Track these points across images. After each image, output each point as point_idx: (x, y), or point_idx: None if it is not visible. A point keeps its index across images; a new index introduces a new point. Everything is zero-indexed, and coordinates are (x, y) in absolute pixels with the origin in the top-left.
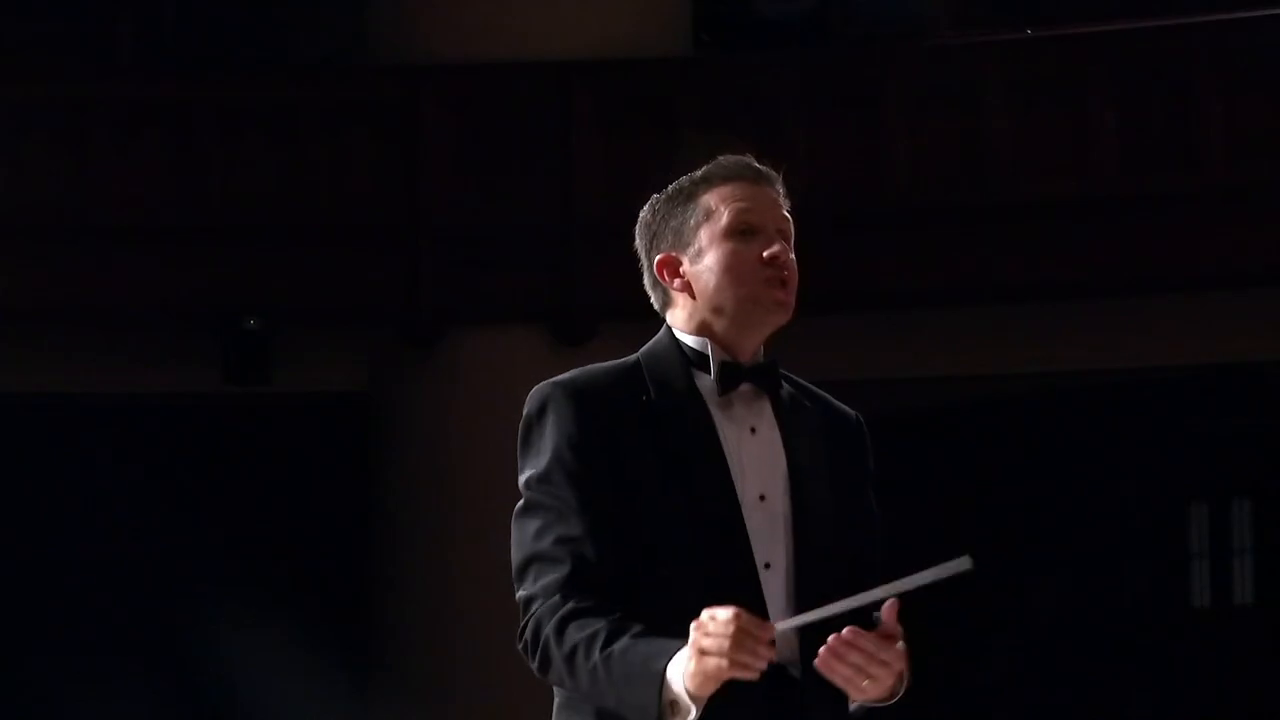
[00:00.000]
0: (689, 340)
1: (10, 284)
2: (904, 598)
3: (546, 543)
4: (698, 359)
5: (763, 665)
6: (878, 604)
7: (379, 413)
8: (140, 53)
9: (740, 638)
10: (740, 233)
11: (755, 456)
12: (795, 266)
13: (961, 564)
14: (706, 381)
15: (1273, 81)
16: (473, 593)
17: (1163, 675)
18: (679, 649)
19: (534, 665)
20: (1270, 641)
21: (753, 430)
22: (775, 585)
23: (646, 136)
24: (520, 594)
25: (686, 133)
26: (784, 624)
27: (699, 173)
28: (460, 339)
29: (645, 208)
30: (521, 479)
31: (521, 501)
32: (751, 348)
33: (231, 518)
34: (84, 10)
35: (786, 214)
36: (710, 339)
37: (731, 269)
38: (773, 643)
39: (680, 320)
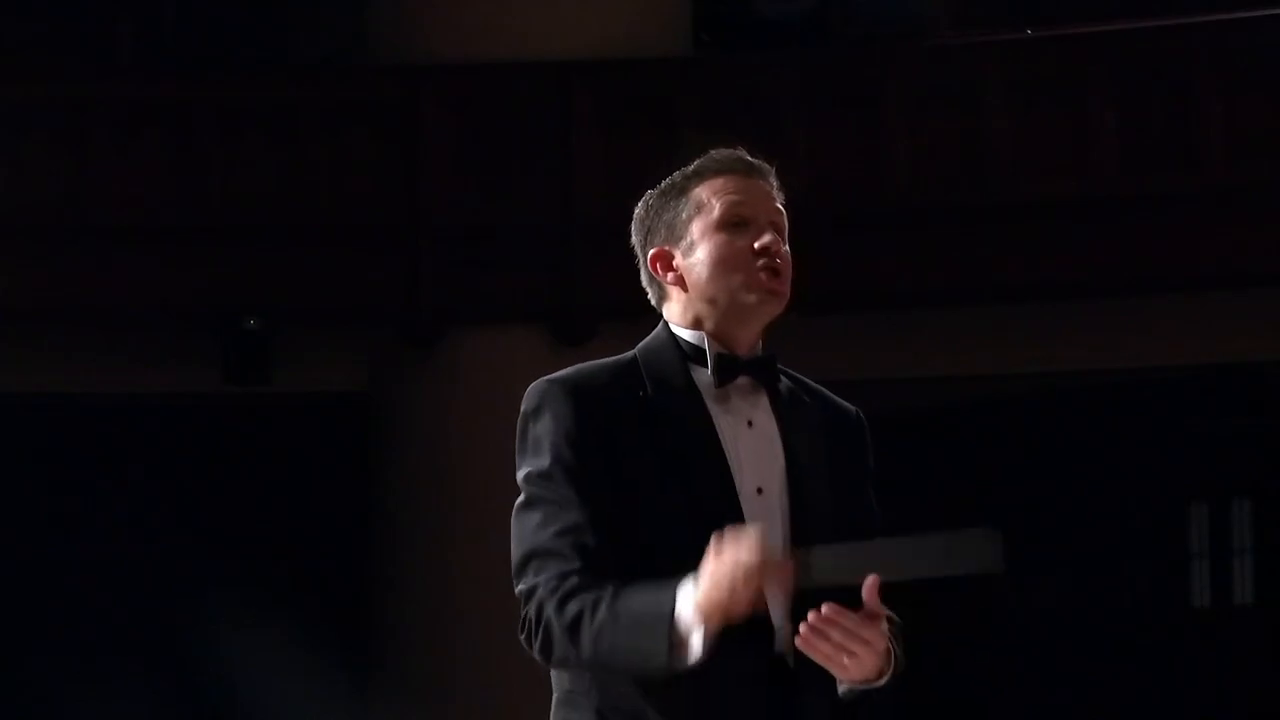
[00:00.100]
0: (685, 335)
1: (10, 284)
2: (905, 587)
3: (546, 536)
4: (694, 353)
5: (780, 578)
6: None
7: (379, 413)
8: (140, 53)
9: (759, 565)
10: (732, 224)
11: (752, 450)
12: (789, 257)
13: (985, 533)
14: (703, 375)
15: (1273, 81)
16: (473, 593)
17: (1163, 675)
18: (685, 588)
19: (536, 650)
20: (1270, 641)
21: (750, 424)
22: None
23: (646, 136)
24: (520, 587)
25: (686, 133)
26: (808, 552)
27: (691, 166)
28: (460, 339)
29: (640, 203)
30: (520, 475)
31: (521, 497)
32: (747, 340)
33: (231, 518)
34: (84, 10)
35: (780, 206)
36: (706, 332)
37: (723, 260)
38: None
39: (676, 314)
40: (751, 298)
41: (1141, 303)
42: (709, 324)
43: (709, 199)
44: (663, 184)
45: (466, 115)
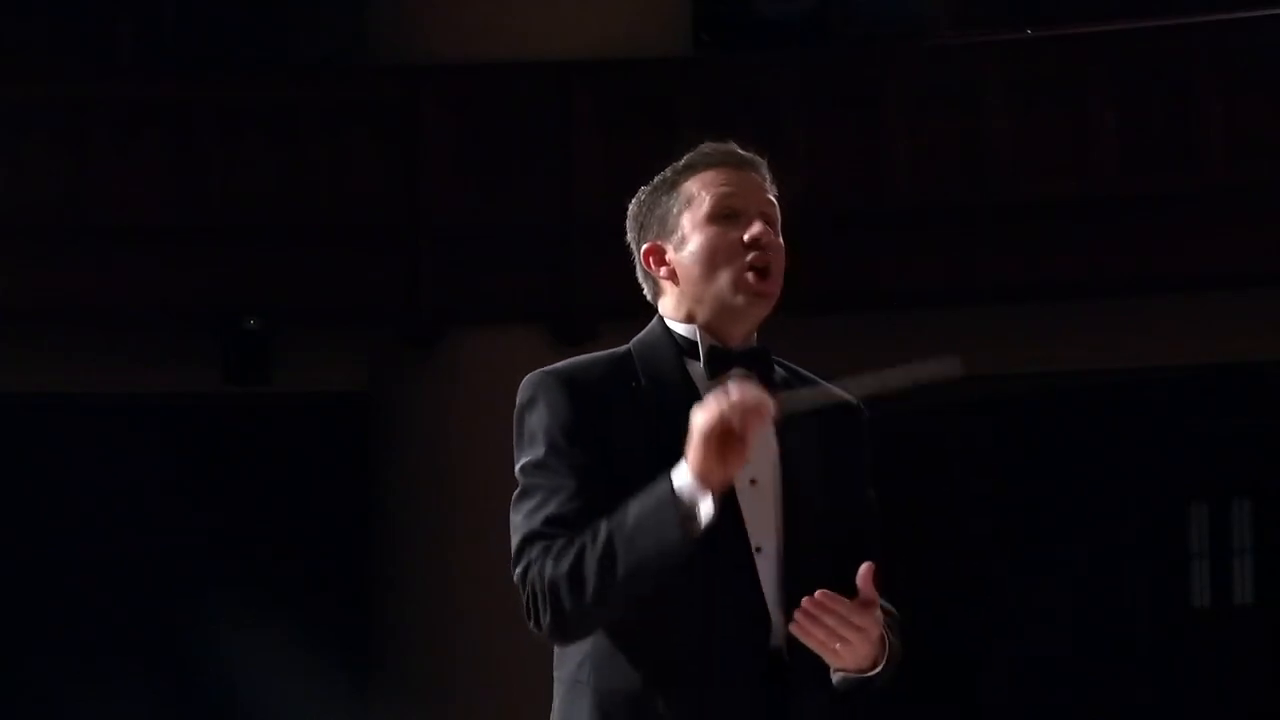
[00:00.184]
0: (679, 328)
1: (10, 284)
2: (891, 576)
3: (539, 521)
4: (688, 346)
5: (755, 428)
6: (868, 570)
7: (379, 413)
8: (140, 53)
9: (741, 408)
10: (723, 217)
11: None
12: (781, 248)
13: (951, 366)
14: (697, 368)
15: (1273, 81)
16: (473, 593)
17: (1163, 675)
18: (678, 467)
19: (547, 621)
20: (1270, 641)
21: None
22: (766, 569)
23: (646, 136)
24: (517, 572)
25: (686, 133)
26: (785, 398)
27: (681, 161)
28: (460, 339)
29: (633, 200)
30: (517, 466)
31: (518, 488)
32: (740, 334)
33: (231, 518)
34: (84, 10)
35: (771, 197)
36: (698, 325)
37: (713, 253)
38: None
39: (669, 308)
40: (739, 300)
41: (1141, 303)
42: (701, 317)
43: (699, 192)
44: (655, 179)
45: (466, 115)
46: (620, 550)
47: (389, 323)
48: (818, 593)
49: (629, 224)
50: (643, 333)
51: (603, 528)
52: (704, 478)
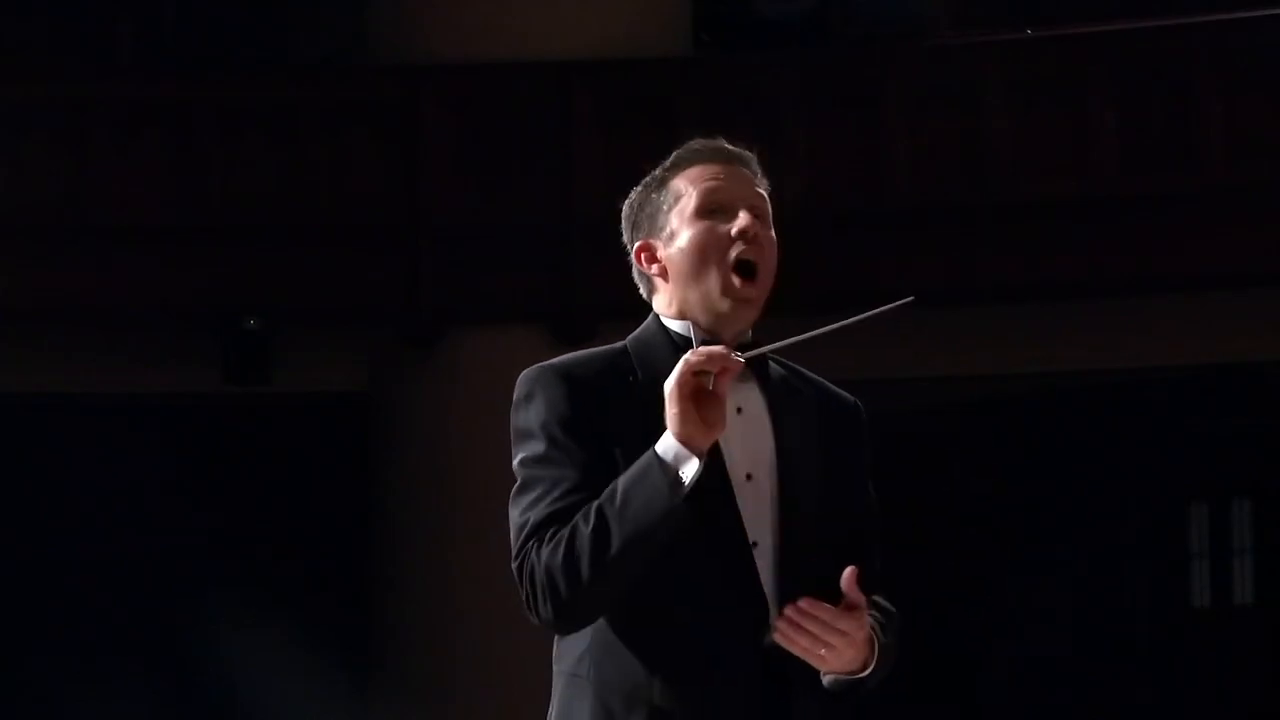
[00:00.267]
0: (673, 325)
1: (10, 284)
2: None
3: (539, 514)
4: (683, 342)
5: (724, 381)
6: (861, 575)
7: (379, 413)
8: (140, 53)
9: (706, 355)
10: (710, 211)
11: (742, 436)
12: (771, 241)
13: (904, 301)
14: None
15: (1273, 81)
16: (473, 593)
17: (1163, 675)
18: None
19: (546, 607)
20: (1270, 641)
21: (739, 410)
22: (763, 564)
23: (646, 136)
24: (515, 564)
25: (686, 133)
26: (751, 353)
27: (670, 158)
28: (460, 339)
29: (627, 200)
30: (515, 460)
31: (517, 482)
32: (734, 328)
33: (232, 518)
34: (84, 10)
35: (761, 191)
36: (691, 322)
37: (701, 248)
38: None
39: (663, 305)
40: (725, 304)
41: (1141, 303)
42: (693, 314)
43: (687, 188)
44: (645, 178)
45: (466, 115)
46: (613, 524)
47: (389, 323)
48: (800, 600)
49: (623, 223)
50: (639, 329)
51: (593, 507)
52: (685, 438)
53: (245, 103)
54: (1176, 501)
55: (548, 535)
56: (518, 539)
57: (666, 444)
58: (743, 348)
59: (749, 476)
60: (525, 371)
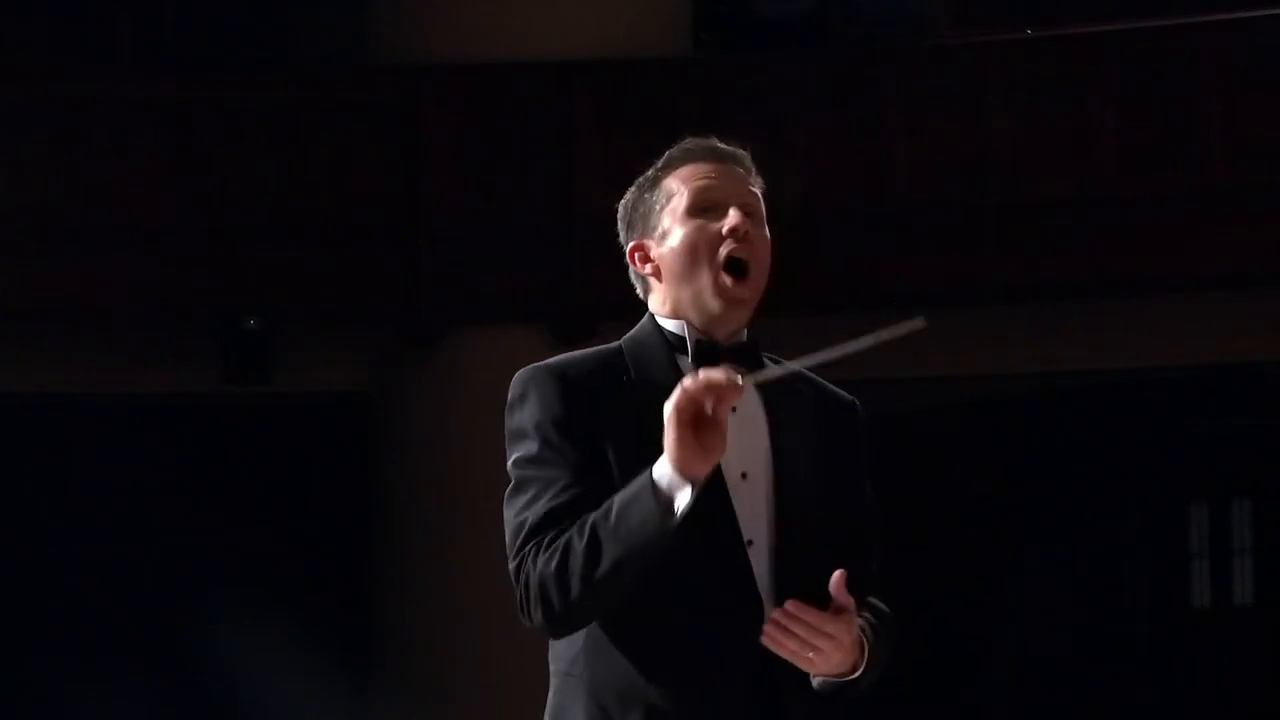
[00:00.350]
0: (668, 324)
1: (10, 284)
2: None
3: (533, 514)
4: (677, 342)
5: (724, 406)
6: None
7: (379, 413)
8: (140, 53)
9: (706, 383)
10: (702, 210)
11: (736, 435)
12: (764, 240)
13: (915, 324)
14: (688, 363)
15: (1273, 81)
16: (473, 593)
17: (1163, 675)
18: (659, 461)
19: (538, 611)
20: (1270, 641)
21: (734, 409)
22: (758, 563)
23: (646, 136)
24: (512, 567)
25: (686, 133)
26: (751, 378)
27: (663, 158)
28: (460, 339)
29: (622, 200)
30: (510, 461)
31: (511, 483)
32: (727, 328)
33: (232, 518)
34: (84, 10)
35: (755, 190)
36: (685, 321)
37: (692, 247)
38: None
39: (657, 305)
40: (716, 305)
41: (1141, 303)
42: (687, 313)
43: (679, 187)
44: (639, 178)
45: (466, 115)
46: (605, 543)
47: (389, 323)
48: (787, 603)
49: (618, 224)
50: (634, 329)
51: (589, 522)
52: (682, 466)
53: (245, 103)
54: (1176, 501)
55: (545, 541)
56: (514, 541)
57: (662, 469)
58: (738, 347)
59: (744, 475)
60: (519, 372)
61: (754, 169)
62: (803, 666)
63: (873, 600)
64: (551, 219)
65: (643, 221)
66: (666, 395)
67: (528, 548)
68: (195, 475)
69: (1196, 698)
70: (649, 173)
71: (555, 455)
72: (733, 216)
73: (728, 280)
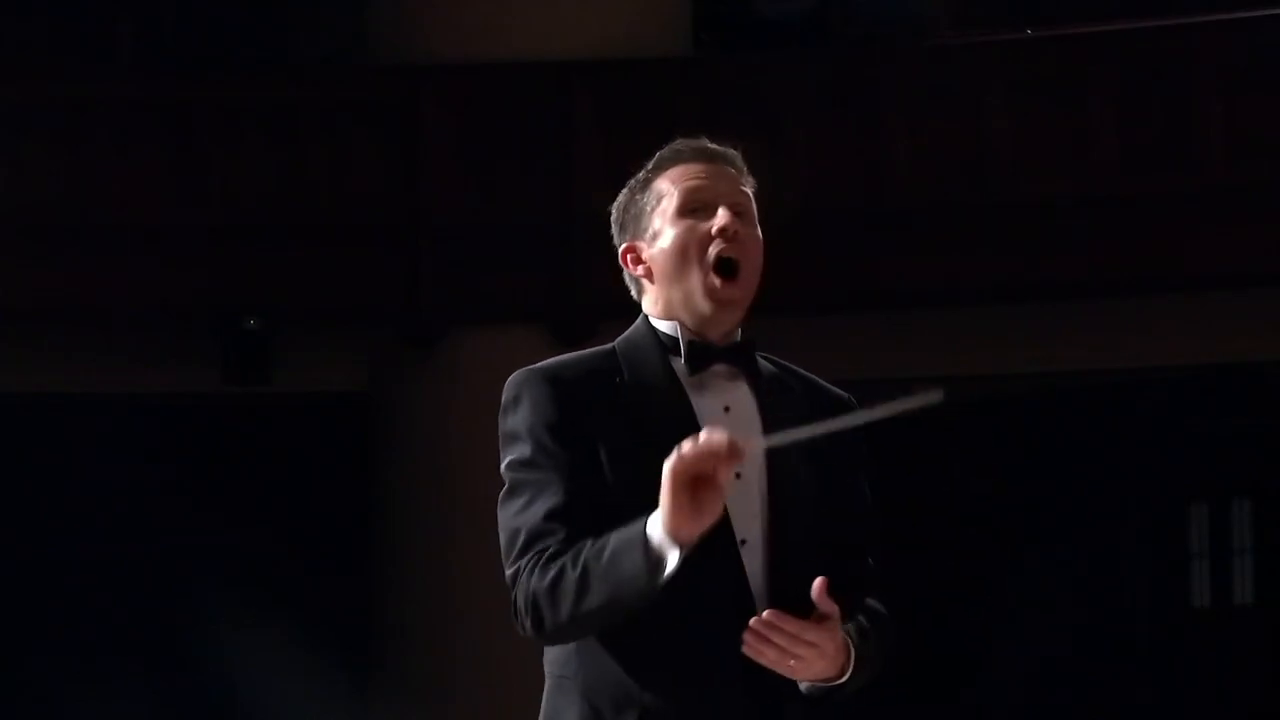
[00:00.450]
0: (661, 325)
1: (10, 284)
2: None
3: (529, 518)
4: (671, 343)
5: (725, 472)
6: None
7: (379, 413)
8: (140, 53)
9: (706, 450)
10: (691, 210)
11: (730, 433)
12: (755, 240)
13: (932, 396)
14: (681, 364)
15: (1273, 81)
16: (473, 593)
17: (1163, 675)
18: (655, 514)
19: (529, 626)
20: (1270, 641)
21: (726, 409)
22: (752, 561)
23: (646, 136)
24: (509, 570)
25: (686, 133)
26: (757, 442)
27: (653, 159)
28: (460, 339)
29: (615, 202)
30: (503, 464)
31: (505, 486)
32: (719, 329)
33: (232, 518)
34: (84, 10)
35: (745, 190)
36: (678, 322)
37: (682, 248)
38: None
39: (650, 306)
40: (706, 306)
41: (1141, 303)
42: (679, 314)
43: (669, 188)
44: (631, 180)
45: (466, 115)
46: (594, 581)
47: (389, 323)
48: (766, 612)
49: (612, 226)
50: (628, 330)
51: (583, 555)
52: (674, 530)
53: (245, 103)
54: (1176, 501)
55: (543, 560)
56: (510, 547)
57: (656, 527)
58: (731, 347)
59: (738, 474)
60: (512, 375)
61: (745, 168)
62: (785, 674)
63: (870, 601)
64: (551, 219)
65: (634, 223)
66: (660, 396)
67: (524, 560)
68: (195, 475)
69: (1196, 698)
70: (640, 174)
71: (548, 459)
72: (721, 216)
73: (716, 281)
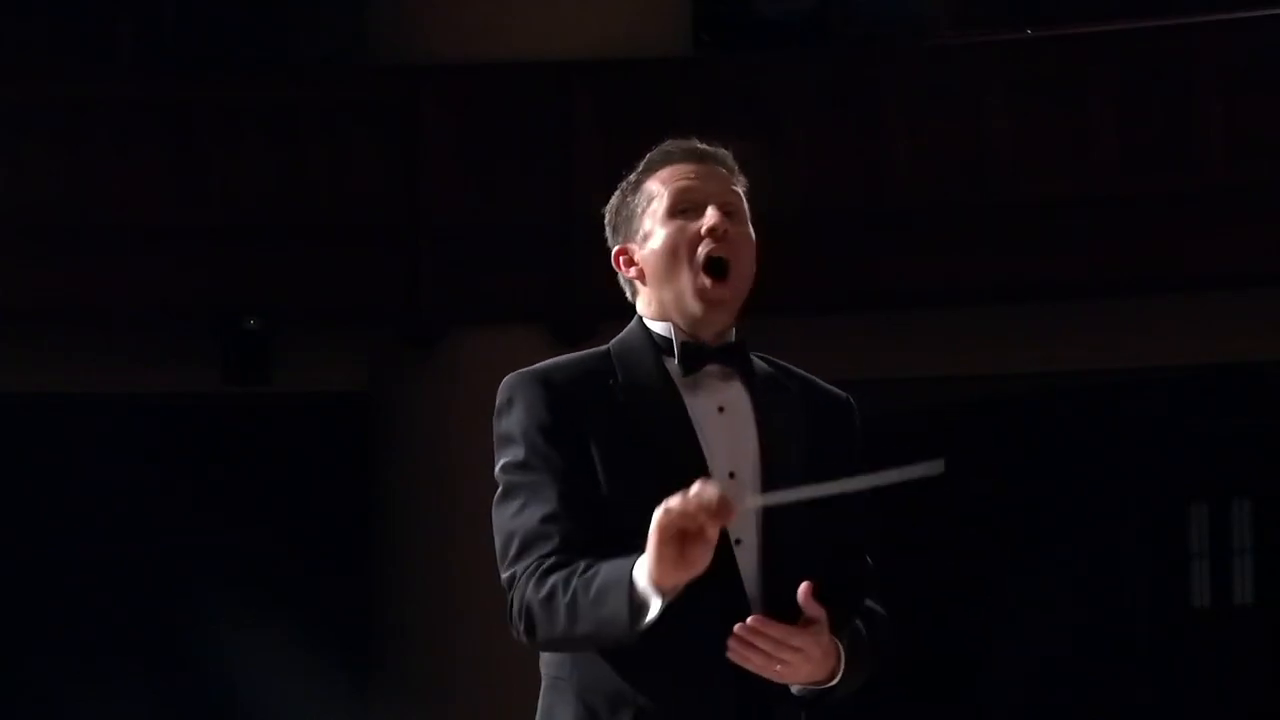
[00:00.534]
0: (655, 326)
1: (10, 284)
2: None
3: (524, 522)
4: (665, 344)
5: (714, 528)
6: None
7: (379, 413)
8: (140, 53)
9: (696, 507)
10: (681, 211)
11: (724, 434)
12: (747, 239)
13: (934, 466)
14: (675, 364)
15: (1273, 81)
16: (473, 593)
17: (1163, 675)
18: (643, 557)
19: (521, 632)
20: (1270, 641)
21: (720, 409)
22: (746, 562)
23: (646, 136)
24: (504, 574)
25: (686, 133)
26: (753, 501)
27: (644, 160)
28: (460, 339)
29: (608, 205)
30: (497, 466)
31: (499, 489)
32: (712, 330)
33: (232, 518)
34: (84, 10)
35: (736, 189)
36: (671, 323)
37: (672, 249)
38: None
39: (644, 307)
40: (696, 307)
41: (1141, 303)
42: (671, 315)
43: (659, 189)
44: (623, 182)
45: (466, 115)
46: (581, 613)
47: (389, 323)
48: (750, 618)
49: (606, 228)
50: (623, 332)
51: (575, 580)
52: (658, 580)
53: (245, 103)
54: (1176, 501)
55: (541, 571)
56: (506, 551)
57: (641, 572)
58: (725, 347)
59: (732, 474)
60: (506, 378)
61: (736, 168)
62: (771, 679)
63: (868, 602)
64: (551, 219)
65: (626, 225)
66: (654, 397)
67: (520, 565)
68: (195, 475)
69: (1196, 698)
70: (631, 176)
71: (542, 461)
72: (710, 215)
73: (706, 281)
